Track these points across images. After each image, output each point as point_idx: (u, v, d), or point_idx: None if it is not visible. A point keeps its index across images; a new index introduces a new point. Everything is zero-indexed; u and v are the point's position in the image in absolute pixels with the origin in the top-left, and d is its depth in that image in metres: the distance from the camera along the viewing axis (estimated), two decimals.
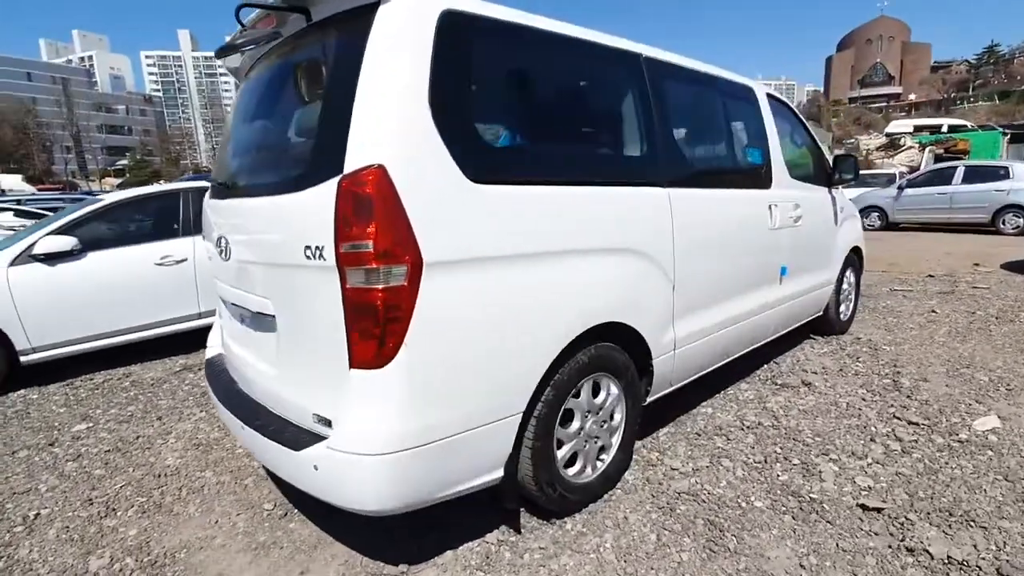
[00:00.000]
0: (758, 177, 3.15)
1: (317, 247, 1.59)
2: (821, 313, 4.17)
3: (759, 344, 3.36)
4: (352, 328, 1.58)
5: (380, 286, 1.53)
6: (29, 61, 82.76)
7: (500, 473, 1.89)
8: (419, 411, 1.62)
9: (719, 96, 2.93)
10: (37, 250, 3.93)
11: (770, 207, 3.12)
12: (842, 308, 4.41)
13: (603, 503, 2.26)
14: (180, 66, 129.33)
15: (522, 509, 2.17)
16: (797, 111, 3.86)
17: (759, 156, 3.18)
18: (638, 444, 2.70)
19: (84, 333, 4.08)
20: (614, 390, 2.27)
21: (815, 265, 3.82)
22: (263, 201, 1.89)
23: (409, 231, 1.54)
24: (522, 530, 2.10)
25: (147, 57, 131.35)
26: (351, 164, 1.54)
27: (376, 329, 1.55)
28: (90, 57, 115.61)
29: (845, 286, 4.39)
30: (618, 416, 2.33)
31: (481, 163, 1.73)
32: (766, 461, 2.53)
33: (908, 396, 3.20)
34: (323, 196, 1.57)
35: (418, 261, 1.56)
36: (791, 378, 3.55)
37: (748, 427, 2.88)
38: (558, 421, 2.05)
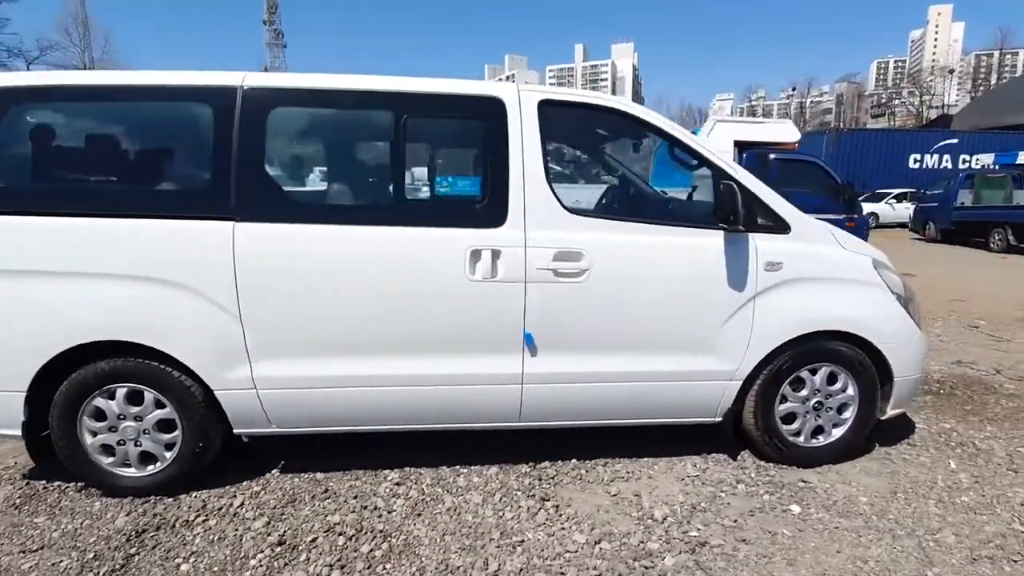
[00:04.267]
0: (464, 213, 2.48)
1: None
2: (717, 419, 2.76)
3: (524, 424, 2.65)
4: None
5: None
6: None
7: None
8: None
9: (396, 117, 2.44)
10: None
11: (476, 252, 2.43)
12: (796, 426, 2.77)
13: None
14: (572, 76, 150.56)
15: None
16: (669, 124, 2.65)
17: (476, 186, 2.49)
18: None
19: None
20: (161, 400, 2.44)
21: (657, 342, 2.61)
22: None
23: None
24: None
25: (550, 71, 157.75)
26: None
27: None
28: (512, 75, 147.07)
29: (807, 393, 2.73)
30: (176, 433, 2.49)
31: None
32: None
33: None
34: None
35: None
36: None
37: None
38: (81, 417, 2.43)
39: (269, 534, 2.27)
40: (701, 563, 2.13)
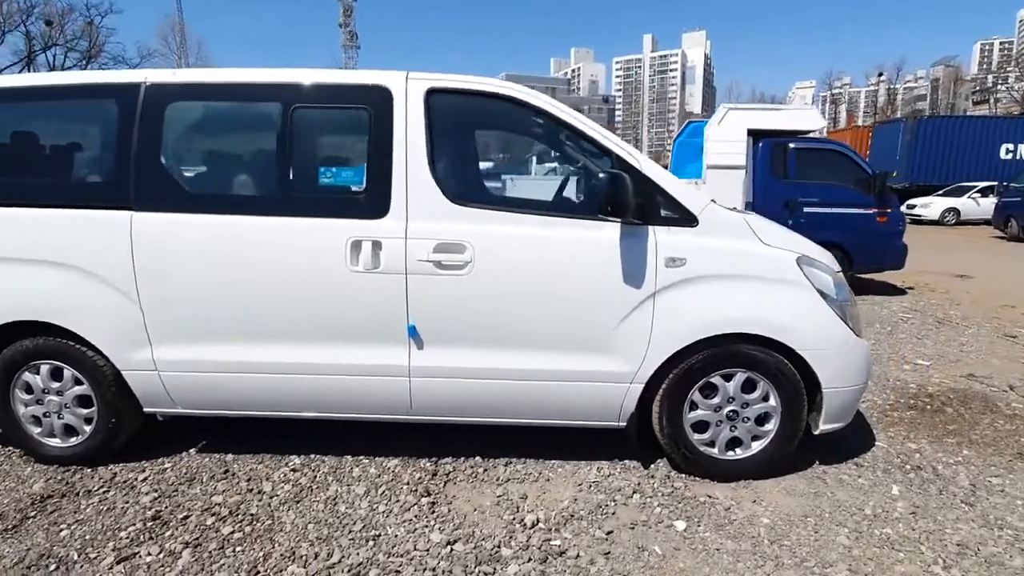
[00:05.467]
0: (349, 203, 2.46)
1: None
2: (620, 424, 2.59)
3: (417, 417, 2.63)
4: None
5: None
6: (532, 76, 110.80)
7: None
8: None
9: (284, 107, 2.45)
10: None
11: (357, 243, 2.41)
12: (709, 435, 2.55)
13: None
14: (639, 67, 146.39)
15: None
16: (562, 109, 2.49)
17: (359, 177, 2.46)
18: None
19: None
20: (79, 377, 2.63)
21: (548, 339, 2.48)
22: None
23: None
24: None
25: (616, 63, 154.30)
26: None
27: None
28: (578, 68, 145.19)
29: (720, 400, 2.51)
30: (93, 409, 2.67)
31: None
32: None
33: None
34: None
35: None
36: None
37: None
38: (13, 390, 2.67)
39: (150, 509, 2.39)
40: (546, 574, 2.01)
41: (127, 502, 2.46)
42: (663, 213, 2.45)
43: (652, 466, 2.72)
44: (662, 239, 2.43)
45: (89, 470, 2.71)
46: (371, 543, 2.18)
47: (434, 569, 2.03)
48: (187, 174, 2.58)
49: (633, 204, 2.34)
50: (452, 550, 2.14)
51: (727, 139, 6.25)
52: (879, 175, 6.27)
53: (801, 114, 6.66)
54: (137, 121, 2.48)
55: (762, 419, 2.56)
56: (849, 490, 2.52)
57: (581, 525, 2.28)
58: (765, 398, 2.54)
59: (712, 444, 2.59)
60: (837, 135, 20.10)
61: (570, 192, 2.93)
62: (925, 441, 2.98)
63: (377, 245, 2.43)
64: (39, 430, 2.74)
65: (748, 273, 2.45)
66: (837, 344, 2.48)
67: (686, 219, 2.45)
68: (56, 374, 2.67)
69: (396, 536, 2.22)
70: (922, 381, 3.86)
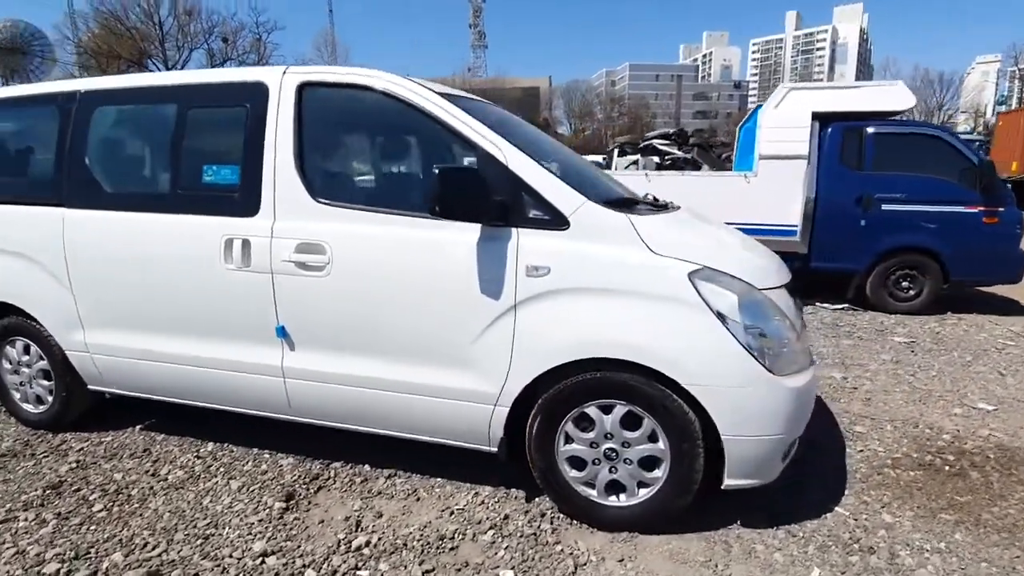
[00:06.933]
0: (226, 201, 2.46)
1: None
2: (492, 449, 2.30)
3: (298, 417, 2.61)
4: None
5: None
6: (657, 65, 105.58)
7: None
8: None
9: (180, 108, 2.53)
10: None
11: (229, 241, 2.42)
12: (586, 475, 2.18)
13: None
14: (780, 48, 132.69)
15: None
16: (428, 98, 2.23)
17: (234, 175, 2.44)
18: None
19: None
20: (41, 353, 2.99)
21: (408, 349, 2.28)
22: None
23: None
24: None
25: (754, 45, 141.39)
26: None
27: None
28: (709, 53, 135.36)
29: (595, 435, 2.12)
30: (52, 382, 3.03)
31: None
32: None
33: None
34: None
35: None
36: None
37: None
38: None
39: (58, 478, 2.64)
40: None
41: (50, 469, 2.74)
42: (531, 214, 2.12)
43: (537, 500, 2.39)
44: (524, 244, 2.10)
45: (50, 435, 3.08)
46: (200, 542, 2.18)
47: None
48: (103, 173, 2.78)
49: (490, 203, 2.06)
50: (263, 562, 2.06)
51: (785, 124, 5.30)
52: (985, 164, 4.92)
53: (883, 91, 5.42)
54: (71, 125, 2.74)
55: (651, 463, 2.12)
56: (752, 566, 1.99)
57: (405, 558, 2.07)
58: (653, 438, 2.09)
59: (591, 485, 2.21)
60: (1010, 117, 16.27)
61: None
62: (910, 514, 2.26)
63: (247, 244, 2.41)
64: (19, 396, 3.17)
65: (622, 287, 2.02)
66: (737, 380, 1.96)
67: (556, 221, 2.09)
68: (27, 349, 3.07)
69: (225, 538, 2.20)
70: (964, 431, 2.95)
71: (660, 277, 2.01)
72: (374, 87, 2.32)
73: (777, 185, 5.29)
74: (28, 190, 2.95)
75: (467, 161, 2.30)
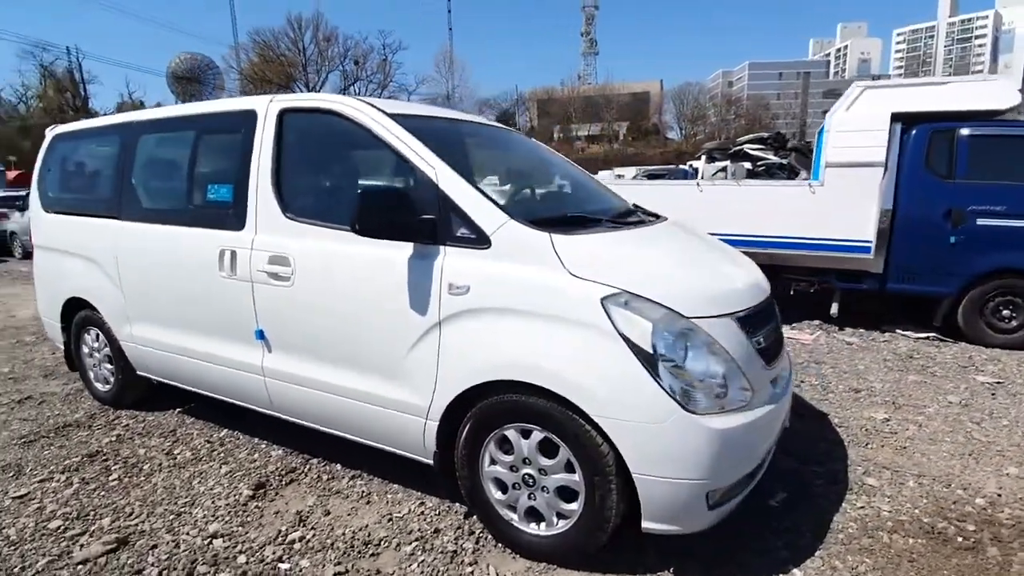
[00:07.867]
0: (223, 216, 2.75)
1: None
2: (429, 461, 2.33)
3: (280, 414, 2.86)
4: None
5: None
6: (780, 62, 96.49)
7: None
8: None
9: (196, 135, 2.91)
10: None
11: (223, 252, 2.72)
12: (508, 498, 2.13)
13: None
14: (931, 36, 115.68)
15: None
16: (378, 120, 2.32)
17: (229, 193, 2.73)
18: None
19: None
20: (101, 338, 3.58)
21: (353, 358, 2.40)
22: None
23: None
24: None
25: (898, 35, 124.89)
26: None
27: None
28: (844, 47, 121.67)
29: (514, 460, 2.06)
30: (110, 363, 3.59)
31: (48, 202, 3.76)
32: None
33: None
34: None
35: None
36: None
37: None
38: (80, 344, 3.76)
39: (97, 448, 3.12)
40: None
41: (96, 440, 3.25)
42: (459, 232, 2.13)
43: (475, 516, 2.38)
44: (449, 262, 2.12)
45: (111, 411, 3.65)
46: (172, 518, 2.47)
47: (178, 552, 2.22)
48: (142, 190, 3.26)
49: (415, 222, 2.12)
50: (211, 543, 2.28)
51: (858, 128, 4.63)
52: None
53: (980, 88, 4.51)
54: (124, 150, 3.26)
55: (569, 494, 2.02)
56: None
57: (325, 557, 2.17)
58: (569, 468, 2.00)
59: (513, 509, 2.15)
60: None
61: None
62: None
63: (234, 255, 2.69)
64: (93, 375, 3.80)
65: (538, 309, 1.95)
66: (646, 416, 1.80)
67: (479, 240, 2.08)
68: (97, 337, 3.67)
69: (191, 517, 2.46)
70: (1008, 497, 2.41)
71: (573, 300, 1.92)
72: (336, 111, 2.48)
73: (847, 196, 4.67)
74: (97, 205, 3.55)
75: (410, 181, 2.37)
